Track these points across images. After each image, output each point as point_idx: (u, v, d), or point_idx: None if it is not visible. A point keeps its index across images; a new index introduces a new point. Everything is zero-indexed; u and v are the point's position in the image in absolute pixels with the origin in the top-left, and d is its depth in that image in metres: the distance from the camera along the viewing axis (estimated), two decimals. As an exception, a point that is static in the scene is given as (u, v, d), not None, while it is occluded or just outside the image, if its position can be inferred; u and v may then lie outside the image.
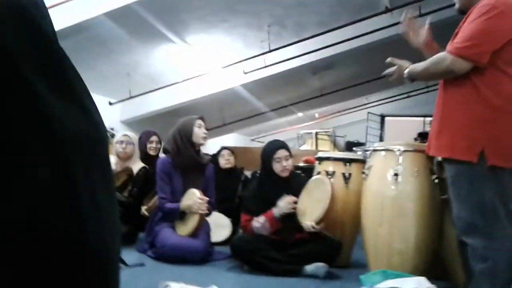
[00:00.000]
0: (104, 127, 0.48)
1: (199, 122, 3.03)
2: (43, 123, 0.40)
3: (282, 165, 2.73)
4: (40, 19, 0.44)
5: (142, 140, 3.72)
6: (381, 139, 10.81)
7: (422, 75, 1.85)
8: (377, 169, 2.41)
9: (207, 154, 3.30)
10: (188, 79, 7.29)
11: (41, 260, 0.40)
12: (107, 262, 0.46)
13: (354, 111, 12.29)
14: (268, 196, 2.70)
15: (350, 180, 2.87)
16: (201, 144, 3.04)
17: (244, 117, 10.31)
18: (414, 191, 2.27)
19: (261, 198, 2.72)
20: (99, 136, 0.47)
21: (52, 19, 0.45)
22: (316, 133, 12.01)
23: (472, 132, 1.69)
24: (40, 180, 0.39)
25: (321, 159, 3.06)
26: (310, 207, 2.65)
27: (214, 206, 3.15)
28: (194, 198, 2.85)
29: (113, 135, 3.71)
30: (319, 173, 2.97)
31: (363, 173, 2.55)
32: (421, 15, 5.27)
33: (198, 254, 2.75)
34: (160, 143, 3.72)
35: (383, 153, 2.42)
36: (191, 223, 2.87)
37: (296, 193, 2.73)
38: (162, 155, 3.20)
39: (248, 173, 4.53)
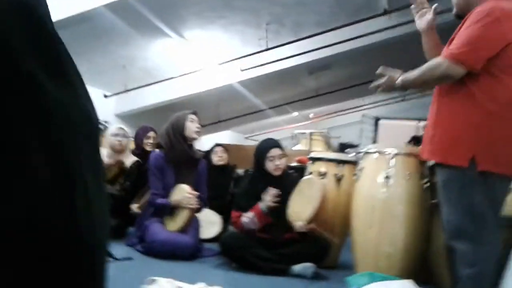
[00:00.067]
0: (97, 119, 0.48)
1: (192, 116, 3.03)
2: (43, 120, 0.40)
3: (275, 164, 2.73)
4: (39, 8, 0.43)
5: (139, 135, 3.71)
6: (374, 142, 10.85)
7: (417, 82, 1.83)
8: (369, 171, 2.42)
9: (200, 151, 3.29)
10: (185, 74, 7.27)
11: (41, 260, 0.40)
12: (97, 256, 0.46)
13: (349, 113, 12.32)
14: (260, 194, 2.71)
15: (342, 181, 2.88)
16: (194, 139, 3.04)
17: (239, 115, 10.31)
18: (405, 194, 2.28)
19: (252, 195, 2.72)
20: (92, 128, 0.47)
21: (51, 8, 0.45)
22: (310, 134, 12.03)
23: (464, 137, 1.69)
24: (40, 180, 0.39)
25: (313, 160, 3.06)
26: (300, 207, 2.66)
27: (205, 202, 3.15)
28: (183, 193, 2.85)
29: (105, 128, 3.69)
30: (311, 173, 2.98)
31: (355, 174, 2.55)
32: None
33: (187, 250, 2.75)
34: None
35: (375, 155, 2.43)
36: (181, 218, 2.87)
37: (288, 192, 2.73)
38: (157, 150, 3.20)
39: (240, 171, 4.53)
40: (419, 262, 2.30)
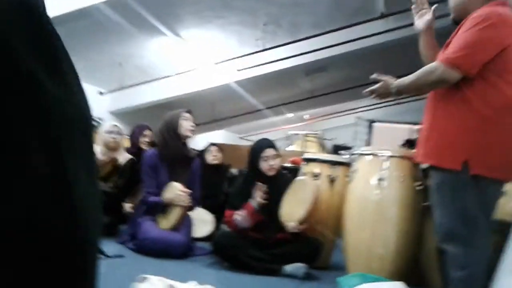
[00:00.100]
0: (91, 116, 0.48)
1: (186, 115, 3.03)
2: (43, 120, 0.40)
3: (269, 164, 2.74)
4: (38, 6, 0.43)
5: (135, 133, 3.69)
6: (368, 144, 10.88)
7: (412, 87, 1.83)
8: (363, 173, 2.43)
9: (194, 150, 3.29)
10: (181, 73, 7.27)
11: (41, 260, 0.40)
12: (90, 254, 0.46)
13: (344, 115, 12.35)
14: (250, 196, 2.71)
15: (335, 183, 2.89)
16: (188, 137, 3.04)
17: (234, 115, 10.31)
18: (398, 196, 2.29)
19: (246, 195, 2.72)
20: (87, 126, 0.47)
21: (50, 4, 0.45)
22: (305, 135, 12.05)
23: (458, 141, 1.71)
24: (40, 179, 0.39)
25: (307, 160, 3.07)
26: (293, 208, 2.66)
27: (198, 201, 3.15)
28: (175, 191, 2.85)
29: (99, 125, 3.67)
30: (305, 174, 2.99)
31: (349, 176, 2.56)
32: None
33: (179, 249, 2.74)
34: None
35: (369, 157, 2.44)
36: (173, 216, 2.87)
37: (281, 193, 2.74)
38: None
39: (234, 171, 4.53)
40: (411, 264, 2.31)
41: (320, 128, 13.14)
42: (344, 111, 12.08)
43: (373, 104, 11.30)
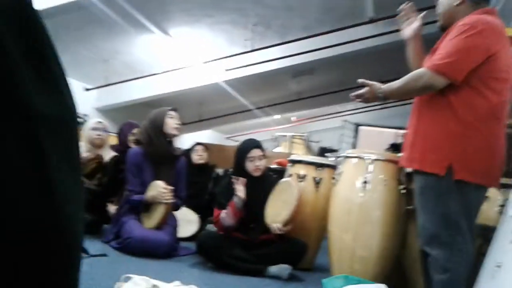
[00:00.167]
0: (76, 111, 0.47)
1: (172, 113, 3.01)
2: (22, 111, 0.39)
3: (255, 165, 2.74)
4: (30, 5, 0.43)
5: (124, 131, 3.62)
6: (354, 147, 10.97)
7: (399, 92, 1.84)
8: (348, 175, 2.44)
9: (179, 149, 3.26)
10: (168, 71, 7.23)
11: (21, 255, 0.39)
12: (72, 252, 0.45)
13: (330, 118, 12.44)
14: (235, 189, 2.70)
15: (321, 185, 2.91)
16: (173, 135, 3.01)
17: (221, 114, 10.29)
18: (381, 199, 2.31)
19: (231, 195, 2.72)
20: (70, 119, 0.46)
21: None
22: (291, 136, 12.09)
23: (442, 146, 1.73)
24: (18, 174, 0.39)
25: (293, 162, 3.08)
26: (277, 209, 2.67)
27: (183, 200, 3.13)
28: (158, 188, 2.83)
29: (84, 122, 3.61)
30: (290, 175, 3.00)
31: (334, 178, 2.58)
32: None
33: (163, 248, 2.72)
34: None
35: (354, 160, 2.46)
36: (157, 214, 2.85)
37: (267, 194, 2.74)
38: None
39: (220, 171, 4.52)
40: (394, 267, 2.34)
41: (307, 130, 13.21)
42: (330, 114, 12.16)
43: (360, 108, 11.41)
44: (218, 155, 5.09)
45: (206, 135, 12.66)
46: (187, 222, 3.49)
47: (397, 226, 2.30)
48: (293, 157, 3.19)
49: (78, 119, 0.50)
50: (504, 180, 1.99)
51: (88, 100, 8.10)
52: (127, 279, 1.79)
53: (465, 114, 1.69)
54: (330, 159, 3.51)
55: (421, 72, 1.74)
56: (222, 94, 8.39)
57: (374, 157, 2.37)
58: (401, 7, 2.02)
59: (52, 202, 0.42)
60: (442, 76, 1.68)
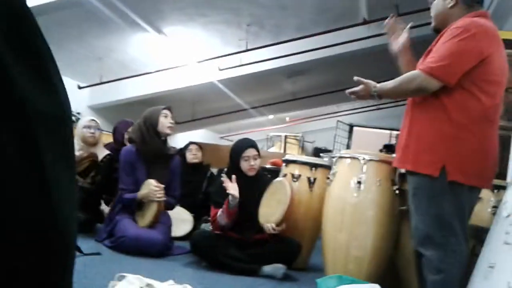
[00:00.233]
0: (70, 108, 0.47)
1: (166, 112, 3.00)
2: (16, 109, 0.39)
3: (249, 164, 2.74)
4: (23, 4, 0.43)
5: (119, 129, 3.59)
6: (348, 148, 11.02)
7: (392, 93, 1.86)
8: (342, 175, 2.45)
9: (174, 148, 3.25)
10: (162, 70, 7.21)
11: (16, 253, 0.39)
12: (66, 250, 0.45)
13: (324, 118, 12.47)
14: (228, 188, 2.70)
15: (315, 185, 2.91)
16: (167, 134, 3.00)
17: (215, 114, 10.28)
18: (375, 200, 2.32)
19: (226, 194, 2.71)
20: (65, 117, 0.46)
21: None
22: (285, 137, 12.11)
23: (436, 148, 1.74)
24: (14, 172, 0.39)
25: (287, 162, 3.08)
26: (270, 209, 2.67)
27: (177, 200, 3.12)
28: (150, 186, 2.82)
29: (77, 120, 3.58)
30: (285, 175, 3.00)
31: (328, 178, 2.59)
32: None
33: (157, 247, 2.72)
34: None
35: (348, 160, 2.47)
36: (150, 212, 2.85)
37: (261, 193, 2.74)
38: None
39: (214, 170, 4.52)
40: (387, 267, 2.35)
41: (301, 131, 13.25)
42: (325, 114, 12.19)
43: (354, 109, 11.45)
44: (212, 155, 5.09)
45: (200, 135, 12.64)
46: (181, 221, 3.49)
47: (391, 226, 2.32)
48: (287, 157, 3.19)
49: (72, 117, 0.50)
50: (497, 182, 2.01)
51: (81, 98, 8.06)
52: (121, 278, 1.79)
53: (458, 116, 1.70)
54: (324, 159, 3.52)
55: (414, 74, 1.76)
56: (216, 93, 8.38)
57: (368, 157, 2.38)
58: (386, 22, 2.02)
59: (49, 201, 0.42)
60: (435, 79, 1.70)
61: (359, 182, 2.34)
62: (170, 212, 3.09)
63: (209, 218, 2.97)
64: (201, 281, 2.26)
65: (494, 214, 2.03)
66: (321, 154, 7.54)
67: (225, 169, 2.94)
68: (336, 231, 2.39)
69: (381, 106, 10.59)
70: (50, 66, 0.45)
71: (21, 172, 0.39)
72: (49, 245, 0.42)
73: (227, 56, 6.60)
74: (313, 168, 2.95)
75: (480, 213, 2.06)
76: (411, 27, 2.00)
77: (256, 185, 2.77)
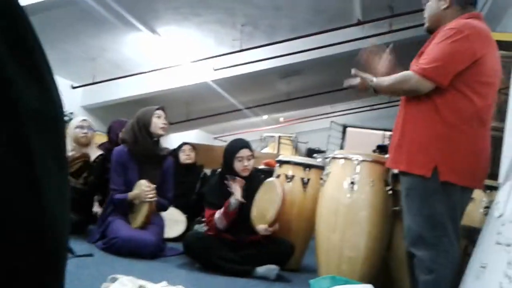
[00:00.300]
0: (63, 108, 0.47)
1: (159, 112, 2.98)
2: (8, 107, 0.39)
3: (243, 165, 2.73)
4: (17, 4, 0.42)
5: (114, 128, 3.55)
6: (341, 148, 11.06)
7: (387, 90, 1.89)
8: (335, 176, 2.45)
9: (167, 148, 3.23)
10: (156, 70, 7.18)
11: (6, 255, 0.38)
12: (58, 251, 0.45)
13: (318, 119, 12.50)
14: (227, 194, 2.70)
15: (308, 185, 2.92)
16: (159, 135, 2.99)
17: (209, 114, 10.27)
18: (368, 200, 2.32)
19: (221, 194, 2.71)
20: (58, 116, 0.46)
21: None
22: (279, 137, 12.13)
23: (428, 148, 1.75)
24: (6, 173, 0.38)
25: (281, 163, 3.08)
26: (262, 210, 2.67)
27: (170, 201, 3.10)
28: (141, 187, 2.81)
29: (70, 120, 3.54)
30: (278, 176, 3.00)
31: (321, 179, 2.59)
32: (392, 31, 5.44)
33: (150, 248, 2.70)
34: None
35: (342, 161, 2.47)
36: (141, 213, 2.83)
37: (254, 194, 2.74)
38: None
39: (208, 171, 4.51)
40: (380, 267, 2.35)
41: (295, 131, 13.26)
42: (318, 115, 12.22)
43: (347, 109, 11.49)
44: (206, 155, 5.08)
45: (194, 135, 12.62)
46: (174, 222, 3.47)
47: (384, 226, 2.32)
48: (281, 157, 3.19)
49: (65, 117, 0.49)
50: (489, 182, 2.02)
51: (74, 98, 8.01)
52: (114, 279, 1.78)
53: (450, 116, 1.71)
54: (317, 160, 3.52)
55: (408, 75, 1.76)
56: (210, 93, 8.37)
57: (361, 158, 2.38)
58: (358, 57, 2.01)
59: (41, 201, 0.41)
60: (428, 80, 1.71)
61: (352, 183, 2.34)
62: (163, 213, 3.08)
63: (203, 219, 2.96)
64: (194, 283, 2.26)
65: (486, 214, 2.04)
66: (314, 155, 7.54)
67: (219, 170, 2.94)
68: (329, 232, 2.39)
69: (374, 107, 10.64)
70: (43, 65, 0.44)
71: (12, 171, 0.39)
72: (40, 246, 0.42)
73: (221, 56, 6.60)
74: (307, 169, 2.96)
75: (472, 213, 2.07)
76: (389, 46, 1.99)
77: (249, 185, 2.76)
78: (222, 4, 5.50)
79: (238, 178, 2.68)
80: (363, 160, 2.38)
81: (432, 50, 1.74)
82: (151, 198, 2.80)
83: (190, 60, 6.93)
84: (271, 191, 2.69)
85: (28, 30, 0.43)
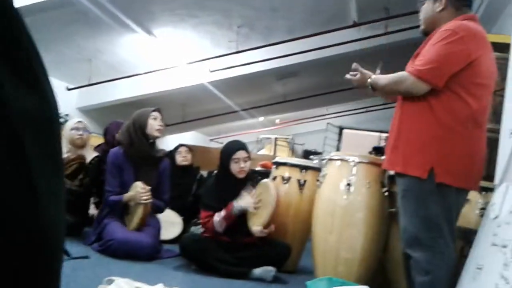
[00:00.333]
0: (58, 109, 0.47)
1: (155, 114, 2.98)
2: (1, 107, 0.38)
3: (239, 166, 2.73)
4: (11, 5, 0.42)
5: (111, 130, 3.54)
6: (337, 150, 11.07)
7: (384, 89, 1.90)
8: (331, 178, 2.46)
9: (163, 150, 3.22)
10: (152, 71, 7.16)
11: (2, 257, 0.38)
12: (53, 254, 0.44)
13: (314, 121, 12.50)
14: (223, 195, 2.69)
15: (305, 187, 2.92)
16: (155, 137, 2.98)
17: (205, 116, 10.25)
18: (365, 202, 2.33)
19: (217, 196, 2.71)
20: (53, 118, 0.45)
21: None
22: (276, 139, 12.13)
23: (424, 150, 1.75)
24: (2, 176, 0.38)
25: (278, 164, 3.08)
26: (257, 211, 2.66)
27: (166, 203, 3.10)
28: (136, 189, 2.80)
29: (66, 121, 3.52)
30: (275, 178, 3.00)
31: (318, 180, 2.59)
32: (387, 33, 5.46)
33: (146, 250, 2.69)
34: None
35: (338, 162, 2.47)
36: (137, 215, 2.82)
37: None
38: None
39: (204, 173, 4.50)
40: (376, 269, 2.36)
41: (291, 133, 13.27)
42: (314, 116, 12.22)
43: (344, 111, 11.50)
44: (202, 157, 5.08)
45: (190, 137, 12.60)
46: (171, 224, 3.46)
47: (379, 228, 2.33)
48: (277, 159, 3.19)
49: (60, 119, 0.49)
50: (484, 184, 2.03)
51: (70, 99, 7.98)
52: (110, 281, 1.77)
53: (445, 118, 1.72)
54: (314, 162, 3.52)
55: (404, 76, 1.77)
56: (206, 95, 8.36)
57: (357, 159, 2.39)
58: (348, 76, 2.01)
59: (36, 203, 0.41)
60: (423, 82, 1.71)
61: (348, 184, 2.35)
62: (159, 215, 3.07)
63: (199, 221, 2.95)
64: (191, 285, 2.25)
65: (481, 216, 2.05)
66: (310, 157, 7.56)
67: (215, 172, 2.93)
68: (326, 233, 2.39)
69: (370, 109, 10.66)
70: (37, 67, 0.44)
71: (7, 173, 0.39)
72: (36, 248, 0.42)
73: (218, 58, 6.59)
74: (303, 170, 2.96)
75: (468, 215, 2.08)
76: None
77: (246, 187, 2.76)
78: (219, 5, 5.50)
79: (253, 190, 2.70)
80: (359, 162, 2.38)
81: (428, 51, 1.75)
82: (146, 200, 2.79)
83: (186, 61, 6.92)
84: (266, 193, 2.69)
85: (22, 32, 0.43)
